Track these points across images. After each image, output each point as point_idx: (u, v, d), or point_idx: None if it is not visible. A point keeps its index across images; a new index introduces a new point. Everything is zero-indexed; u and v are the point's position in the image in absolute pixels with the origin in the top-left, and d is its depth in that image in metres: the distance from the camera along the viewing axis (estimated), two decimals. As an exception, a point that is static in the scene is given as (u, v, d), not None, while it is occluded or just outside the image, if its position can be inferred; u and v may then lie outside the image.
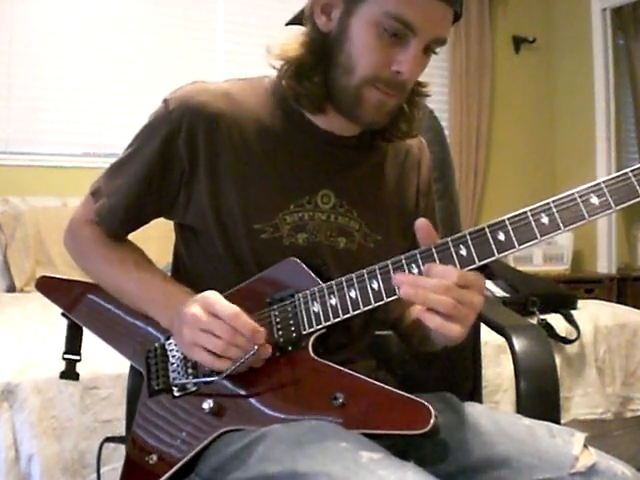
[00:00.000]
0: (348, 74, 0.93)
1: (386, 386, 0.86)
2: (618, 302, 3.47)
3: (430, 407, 0.81)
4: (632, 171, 0.78)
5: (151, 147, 0.99)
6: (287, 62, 0.97)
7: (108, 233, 1.06)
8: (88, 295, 1.10)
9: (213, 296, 0.91)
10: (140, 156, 1.01)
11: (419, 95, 1.03)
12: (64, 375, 1.12)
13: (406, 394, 0.84)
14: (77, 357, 1.12)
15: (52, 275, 1.15)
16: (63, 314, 1.12)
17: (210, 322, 0.88)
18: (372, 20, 0.90)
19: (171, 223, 1.09)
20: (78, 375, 1.13)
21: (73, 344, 1.12)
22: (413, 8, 0.88)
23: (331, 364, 0.89)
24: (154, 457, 0.93)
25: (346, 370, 0.88)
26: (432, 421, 0.80)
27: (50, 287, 1.13)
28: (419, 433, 0.80)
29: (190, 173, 0.98)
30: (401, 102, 0.98)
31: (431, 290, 0.80)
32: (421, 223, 0.85)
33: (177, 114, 0.97)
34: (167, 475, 0.91)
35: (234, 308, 0.88)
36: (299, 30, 0.98)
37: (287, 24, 1.00)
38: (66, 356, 1.12)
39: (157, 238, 1.62)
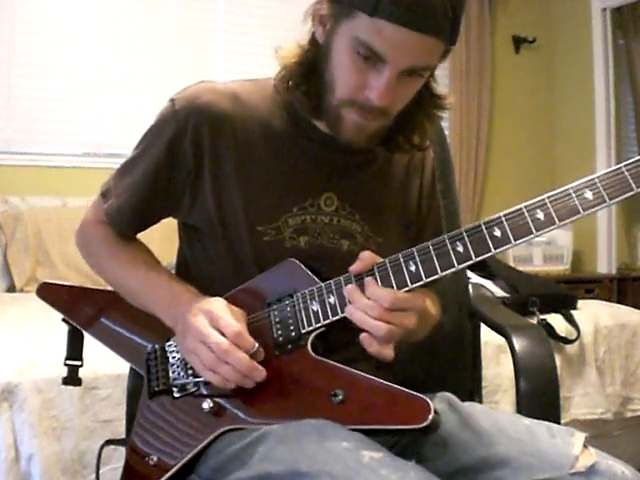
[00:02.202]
0: (330, 93, 0.92)
1: (385, 382, 0.86)
2: (618, 302, 3.47)
3: (429, 401, 0.81)
4: (625, 166, 0.79)
5: (158, 147, 0.99)
6: (282, 68, 0.97)
7: (117, 233, 1.07)
8: (89, 300, 1.11)
9: (219, 309, 0.91)
10: (147, 156, 1.01)
11: (436, 108, 1.00)
12: (66, 381, 1.12)
13: (405, 389, 0.84)
14: (79, 363, 1.12)
15: (53, 282, 1.15)
16: (64, 319, 1.11)
17: (209, 336, 0.88)
18: (348, 42, 0.87)
19: (174, 224, 1.09)
20: (80, 381, 1.13)
21: (74, 350, 1.12)
22: (381, 37, 0.84)
23: (330, 362, 0.89)
24: (154, 457, 0.94)
25: (345, 367, 0.88)
26: (430, 416, 0.80)
27: (51, 294, 1.13)
28: (418, 427, 0.80)
29: (195, 173, 0.99)
30: (386, 124, 0.95)
31: (365, 311, 0.84)
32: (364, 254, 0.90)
33: (183, 114, 0.97)
34: (167, 475, 0.92)
35: (237, 326, 0.89)
36: (301, 34, 0.97)
37: None
38: (68, 362, 1.12)
39: (160, 239, 1.62)
